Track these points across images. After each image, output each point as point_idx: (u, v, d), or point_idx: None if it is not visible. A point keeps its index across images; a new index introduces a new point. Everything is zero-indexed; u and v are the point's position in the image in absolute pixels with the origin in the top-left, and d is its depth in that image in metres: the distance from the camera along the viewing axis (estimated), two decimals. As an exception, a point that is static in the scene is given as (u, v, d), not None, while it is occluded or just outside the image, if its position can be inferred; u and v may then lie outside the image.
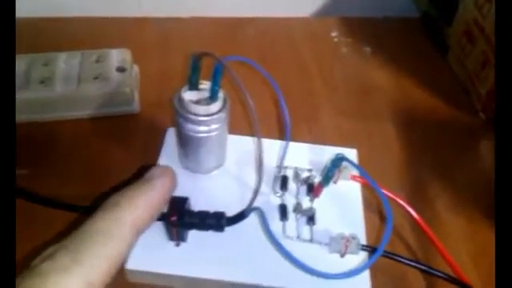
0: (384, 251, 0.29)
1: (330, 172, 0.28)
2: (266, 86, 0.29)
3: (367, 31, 0.52)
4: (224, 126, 0.31)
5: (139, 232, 0.23)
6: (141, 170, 0.27)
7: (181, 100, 0.29)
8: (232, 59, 0.27)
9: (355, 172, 0.32)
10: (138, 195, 0.24)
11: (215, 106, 0.29)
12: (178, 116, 0.29)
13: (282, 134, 0.37)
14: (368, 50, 0.49)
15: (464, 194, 0.37)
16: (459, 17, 0.46)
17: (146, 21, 0.50)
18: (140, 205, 0.23)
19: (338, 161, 0.28)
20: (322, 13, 0.55)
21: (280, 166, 0.31)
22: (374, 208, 0.34)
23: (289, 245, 0.28)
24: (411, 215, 0.31)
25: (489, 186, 0.38)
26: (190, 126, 0.29)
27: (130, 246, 0.22)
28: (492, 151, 0.40)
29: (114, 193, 0.24)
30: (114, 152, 0.37)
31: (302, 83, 0.45)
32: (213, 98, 0.29)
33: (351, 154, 0.34)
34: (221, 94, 0.29)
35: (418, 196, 0.36)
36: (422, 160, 0.39)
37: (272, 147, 0.34)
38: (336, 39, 0.50)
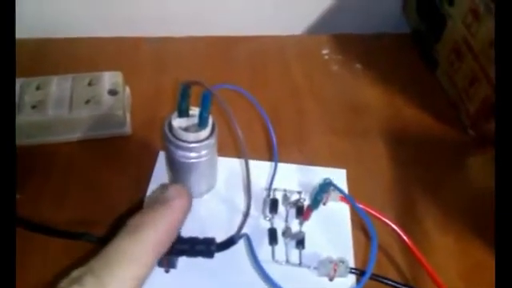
0: (373, 274, 0.29)
1: (318, 196, 0.29)
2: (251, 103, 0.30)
3: (358, 48, 0.52)
4: (213, 151, 0.31)
5: (159, 254, 0.23)
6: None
7: (171, 127, 0.30)
8: (220, 87, 0.28)
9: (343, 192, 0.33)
10: (158, 217, 0.24)
11: (205, 133, 0.29)
12: (168, 143, 0.30)
13: (272, 155, 0.38)
14: (359, 67, 0.50)
15: (453, 211, 0.37)
16: (447, 34, 0.46)
17: (141, 41, 0.51)
18: (161, 227, 0.23)
19: (325, 186, 0.28)
20: (314, 30, 0.56)
21: (269, 189, 0.32)
22: (363, 229, 0.34)
23: (277, 269, 0.28)
24: (401, 238, 0.31)
25: (478, 203, 0.38)
26: (180, 153, 0.30)
27: (151, 269, 0.23)
28: (481, 168, 0.41)
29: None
30: (107, 174, 0.38)
31: (292, 102, 0.45)
32: (202, 124, 0.29)
33: (340, 174, 0.35)
34: (210, 120, 0.30)
35: (407, 215, 0.36)
36: (412, 178, 0.39)
37: (261, 169, 0.34)
38: (327, 57, 0.51)
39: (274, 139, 0.30)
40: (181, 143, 0.29)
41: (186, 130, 0.29)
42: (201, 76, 0.45)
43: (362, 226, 0.34)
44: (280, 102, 0.45)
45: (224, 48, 0.51)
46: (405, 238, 0.31)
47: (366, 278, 0.26)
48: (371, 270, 0.26)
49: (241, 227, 0.29)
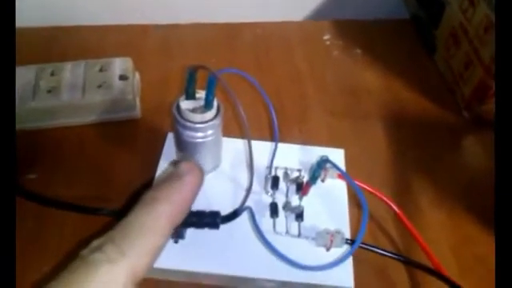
0: (363, 243, 0.31)
1: (316, 172, 0.31)
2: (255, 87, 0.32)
3: (358, 34, 0.54)
4: (218, 132, 0.33)
5: (174, 226, 0.25)
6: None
7: (179, 109, 0.32)
8: (225, 72, 0.30)
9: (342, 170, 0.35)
10: (173, 192, 0.25)
11: (210, 114, 0.31)
12: (176, 123, 0.32)
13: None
14: (359, 52, 0.52)
15: (447, 189, 0.39)
16: (445, 19, 0.48)
17: (148, 28, 0.53)
18: (175, 200, 0.25)
19: (322, 162, 0.30)
20: (316, 16, 0.58)
21: (270, 167, 0.34)
22: (359, 204, 0.36)
23: (278, 240, 0.30)
24: (393, 209, 0.33)
25: (471, 182, 0.40)
26: (187, 133, 0.32)
27: (167, 240, 0.24)
28: (475, 148, 0.43)
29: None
30: (118, 155, 0.40)
31: (294, 86, 0.47)
32: (207, 106, 0.31)
33: (338, 154, 0.37)
34: (215, 103, 0.32)
35: (402, 192, 0.38)
36: (408, 158, 0.41)
37: (264, 148, 0.36)
38: (328, 42, 0.53)
39: (275, 121, 0.32)
40: (188, 124, 0.31)
41: (193, 111, 0.31)
42: (206, 61, 0.48)
43: (358, 202, 0.36)
44: (282, 85, 0.47)
45: (229, 34, 0.53)
46: (398, 211, 0.33)
47: (356, 246, 0.28)
48: (361, 238, 0.28)
49: (244, 201, 0.31)
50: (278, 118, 0.41)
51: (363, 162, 0.40)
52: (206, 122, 0.31)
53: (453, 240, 0.36)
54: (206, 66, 0.29)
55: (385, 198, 0.33)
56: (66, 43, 0.50)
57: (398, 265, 0.33)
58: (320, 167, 0.30)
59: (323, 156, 0.31)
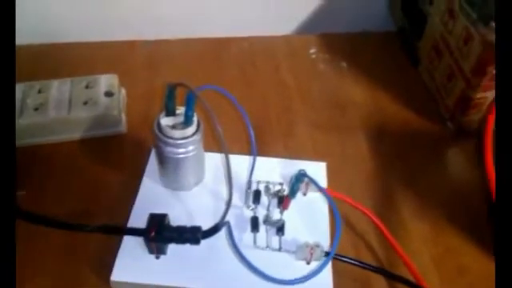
0: (342, 256, 0.32)
1: (295, 186, 0.31)
2: (243, 104, 0.32)
3: (344, 47, 0.54)
4: (200, 147, 0.34)
5: None
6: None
7: (159, 125, 0.32)
8: (204, 88, 0.30)
9: (323, 185, 0.35)
10: None
11: (190, 130, 0.32)
12: (157, 140, 0.32)
13: (258, 147, 0.40)
14: (344, 65, 0.52)
15: (430, 200, 0.39)
16: (428, 31, 0.49)
17: (135, 44, 0.53)
18: None
19: (300, 176, 0.31)
20: (303, 30, 0.58)
21: (250, 181, 0.34)
22: (342, 217, 0.36)
23: (259, 254, 0.31)
24: (374, 222, 0.34)
25: (454, 192, 0.40)
26: (168, 149, 0.32)
27: None
28: (458, 159, 0.43)
29: None
30: (104, 170, 0.40)
31: (279, 99, 0.48)
32: (187, 122, 0.32)
33: (320, 167, 0.37)
34: (194, 119, 0.32)
35: (385, 204, 0.39)
36: (391, 169, 0.41)
37: (247, 163, 0.36)
38: (314, 56, 0.53)
39: (253, 136, 0.32)
40: (169, 140, 0.32)
41: (173, 127, 0.32)
42: (193, 76, 0.49)
43: (341, 215, 0.36)
44: (268, 99, 0.48)
45: (215, 49, 0.53)
46: (379, 223, 0.33)
47: (330, 257, 0.28)
48: (335, 249, 0.28)
49: (224, 216, 0.31)
50: (263, 131, 0.42)
51: (346, 175, 0.40)
52: (187, 137, 0.32)
53: (435, 251, 0.36)
54: (185, 83, 0.30)
55: (366, 211, 0.34)
56: (56, 60, 0.51)
57: (379, 278, 0.33)
58: (298, 181, 0.31)
59: (301, 170, 0.31)
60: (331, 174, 0.38)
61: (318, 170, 0.37)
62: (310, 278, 0.29)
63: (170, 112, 0.32)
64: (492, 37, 0.37)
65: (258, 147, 0.41)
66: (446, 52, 0.45)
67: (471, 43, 0.40)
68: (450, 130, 0.45)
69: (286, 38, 0.56)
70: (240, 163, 0.35)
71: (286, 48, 0.54)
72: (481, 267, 0.35)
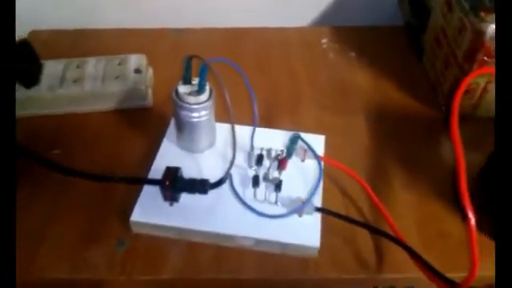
0: (329, 211, 0.36)
1: (290, 148, 0.36)
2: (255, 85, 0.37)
3: (354, 39, 0.59)
4: (211, 113, 0.39)
5: None
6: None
7: (177, 92, 0.37)
8: (214, 60, 0.36)
9: (321, 154, 0.40)
10: None
11: (203, 97, 0.37)
12: (175, 105, 0.38)
13: (267, 122, 0.45)
14: (353, 54, 0.56)
15: (420, 175, 0.43)
16: (431, 24, 0.52)
17: (162, 31, 0.59)
18: None
19: (294, 138, 0.35)
20: (316, 23, 0.63)
21: (252, 146, 0.39)
22: (335, 182, 0.41)
23: (258, 206, 0.35)
24: (362, 185, 0.38)
25: (441, 169, 0.44)
26: (184, 113, 0.38)
27: None
28: (448, 140, 0.47)
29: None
30: (130, 136, 0.46)
31: (291, 84, 0.52)
32: (200, 90, 0.37)
33: (319, 139, 0.42)
34: (207, 87, 0.37)
35: (378, 176, 0.43)
36: (387, 147, 0.45)
37: (255, 133, 0.41)
38: (325, 45, 0.58)
39: (255, 106, 0.37)
40: (184, 105, 0.37)
41: (189, 94, 0.37)
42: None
43: (334, 180, 0.41)
44: (280, 83, 0.52)
45: (233, 38, 0.59)
46: (367, 187, 0.38)
47: (307, 203, 0.33)
48: (312, 198, 0.33)
49: (228, 171, 0.36)
50: (272, 108, 0.46)
51: (345, 148, 0.44)
52: (200, 103, 0.37)
53: (419, 216, 0.39)
54: (199, 55, 0.35)
55: (356, 176, 0.38)
56: (91, 43, 0.57)
57: (364, 234, 0.37)
58: (293, 143, 0.35)
59: (295, 133, 0.36)
60: (331, 147, 0.43)
61: (316, 141, 0.41)
62: (289, 215, 0.34)
63: (187, 81, 0.37)
64: (481, 26, 0.41)
65: (267, 121, 0.46)
66: (444, 42, 0.49)
67: (464, 33, 0.44)
68: (444, 114, 0.48)
69: (299, 30, 0.61)
70: (246, 132, 0.40)
71: (298, 38, 0.59)
72: (460, 234, 0.38)
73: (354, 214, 0.39)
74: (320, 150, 0.41)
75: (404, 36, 0.59)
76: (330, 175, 0.41)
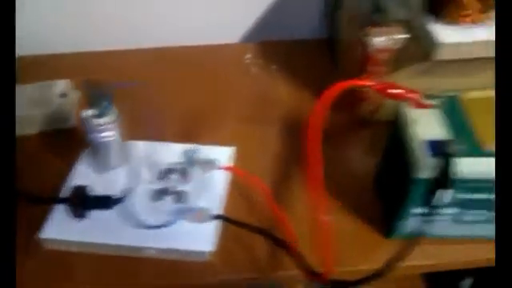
0: (226, 218, 0.39)
1: (191, 161, 0.39)
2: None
3: (277, 53, 0.62)
4: (117, 133, 0.41)
5: None
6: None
7: (84, 116, 0.40)
8: (117, 85, 0.38)
9: (225, 163, 0.43)
10: None
11: (107, 118, 0.40)
12: (84, 127, 0.41)
13: (186, 137, 0.48)
14: (274, 68, 0.60)
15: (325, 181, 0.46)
16: (340, 38, 0.56)
17: (89, 54, 0.62)
18: None
19: (189, 152, 0.38)
20: (245, 39, 0.66)
21: (159, 162, 0.42)
22: (242, 191, 0.44)
23: (160, 218, 0.38)
24: (263, 189, 0.41)
25: (344, 176, 0.47)
26: (91, 134, 0.41)
27: None
28: (352, 145, 0.50)
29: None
30: (52, 159, 0.48)
31: (213, 99, 0.55)
32: (104, 113, 0.40)
33: (227, 151, 0.45)
34: (112, 110, 0.40)
35: (283, 182, 0.45)
36: (294, 154, 0.48)
37: (163, 148, 0.44)
38: (248, 61, 0.61)
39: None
40: (91, 127, 0.40)
41: (95, 116, 0.40)
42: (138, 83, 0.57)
43: (241, 189, 0.44)
44: (203, 99, 0.55)
45: (161, 57, 0.61)
46: (267, 192, 0.41)
47: (202, 214, 0.36)
48: (211, 207, 0.36)
49: (131, 186, 0.39)
50: (194, 124, 0.49)
51: (256, 158, 0.47)
52: (105, 124, 0.40)
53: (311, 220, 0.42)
54: (99, 80, 0.38)
55: (258, 182, 0.41)
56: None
57: (262, 238, 0.40)
58: (188, 156, 0.38)
59: (190, 149, 0.39)
60: (244, 157, 0.46)
61: (224, 154, 0.44)
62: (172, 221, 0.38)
63: (92, 105, 0.40)
64: (366, 39, 0.44)
65: (186, 136, 0.48)
66: (350, 54, 0.52)
67: (356, 46, 0.47)
68: (353, 121, 0.52)
69: (225, 47, 0.64)
70: (155, 148, 0.43)
71: (224, 55, 0.62)
72: (352, 233, 0.41)
73: (256, 220, 0.42)
74: (226, 161, 0.44)
75: (327, 49, 0.63)
76: (238, 184, 0.44)
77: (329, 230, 0.32)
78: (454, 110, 0.36)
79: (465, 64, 0.43)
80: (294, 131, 0.51)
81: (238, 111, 0.54)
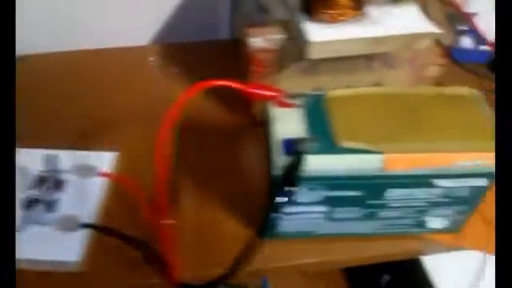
0: (96, 226, 0.38)
1: (60, 168, 0.38)
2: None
3: (180, 55, 0.62)
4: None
5: None
6: None
7: None
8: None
9: (104, 170, 0.42)
10: None
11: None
12: None
13: (79, 143, 0.47)
14: (176, 70, 0.59)
15: (209, 191, 0.45)
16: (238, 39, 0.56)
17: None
18: None
19: (53, 159, 0.37)
20: (155, 41, 0.65)
21: (33, 170, 0.41)
22: (122, 198, 0.43)
23: (31, 228, 0.37)
24: (140, 198, 0.40)
25: (234, 178, 0.47)
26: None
27: None
28: (245, 146, 0.50)
29: None
30: None
31: (114, 99, 0.54)
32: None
33: (107, 157, 0.44)
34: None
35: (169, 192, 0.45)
36: (190, 158, 0.48)
37: (40, 156, 0.43)
38: (152, 63, 0.60)
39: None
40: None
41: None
42: (51, 87, 0.55)
43: (119, 197, 0.43)
44: (102, 101, 0.54)
45: (75, 61, 0.60)
46: (141, 198, 0.40)
47: (69, 223, 0.35)
48: (82, 215, 0.34)
49: None
50: (86, 129, 0.47)
51: (137, 164, 0.45)
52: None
53: (198, 221, 0.42)
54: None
55: (135, 188, 0.40)
56: None
57: (134, 248, 0.39)
58: (55, 164, 0.37)
59: (53, 156, 0.38)
60: (125, 162, 0.45)
61: (104, 160, 0.43)
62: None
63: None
64: (247, 40, 0.44)
65: (76, 142, 0.47)
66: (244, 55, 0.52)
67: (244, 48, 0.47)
68: (247, 122, 0.52)
69: (129, 49, 0.63)
70: (32, 156, 0.42)
71: (127, 57, 0.61)
72: (233, 236, 0.41)
73: (132, 227, 0.41)
74: (107, 167, 0.43)
75: (232, 49, 0.62)
76: (119, 191, 0.43)
77: (171, 234, 0.32)
78: (316, 109, 0.36)
79: (342, 62, 0.44)
80: (190, 134, 0.51)
81: (131, 115, 0.53)
